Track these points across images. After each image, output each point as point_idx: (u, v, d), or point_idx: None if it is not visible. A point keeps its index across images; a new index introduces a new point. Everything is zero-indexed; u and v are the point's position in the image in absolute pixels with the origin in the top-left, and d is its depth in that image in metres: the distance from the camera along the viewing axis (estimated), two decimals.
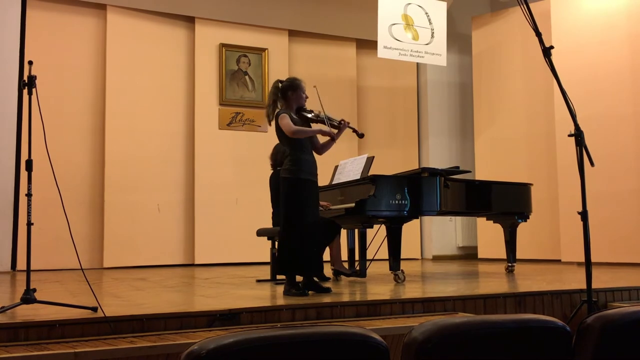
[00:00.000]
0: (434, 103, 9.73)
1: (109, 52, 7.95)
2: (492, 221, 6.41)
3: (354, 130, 4.68)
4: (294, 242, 4.31)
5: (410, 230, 7.86)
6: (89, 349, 2.82)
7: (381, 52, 7.98)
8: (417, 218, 5.71)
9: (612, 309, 1.67)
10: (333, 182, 5.88)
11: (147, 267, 7.78)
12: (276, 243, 5.30)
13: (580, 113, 3.71)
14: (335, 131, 4.49)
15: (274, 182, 5.46)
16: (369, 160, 5.54)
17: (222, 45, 8.54)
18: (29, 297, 3.38)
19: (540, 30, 3.64)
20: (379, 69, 9.45)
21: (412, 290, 4.55)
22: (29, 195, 3.52)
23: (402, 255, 5.24)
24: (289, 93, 4.51)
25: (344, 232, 5.85)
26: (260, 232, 5.71)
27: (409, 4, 8.23)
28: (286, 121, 4.33)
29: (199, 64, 8.43)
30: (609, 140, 7.17)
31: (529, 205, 6.22)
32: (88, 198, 7.79)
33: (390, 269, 5.17)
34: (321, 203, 4.97)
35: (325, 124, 4.51)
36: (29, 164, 3.55)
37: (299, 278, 4.39)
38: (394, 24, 8.07)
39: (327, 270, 5.49)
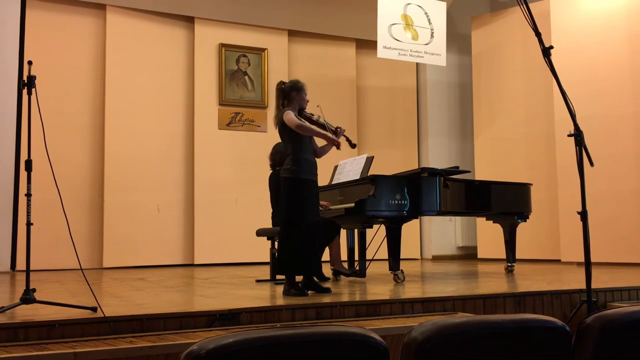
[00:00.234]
0: (433, 103, 9.73)
1: (108, 52, 7.95)
2: (491, 221, 6.41)
3: (348, 139, 4.69)
4: (294, 242, 4.32)
5: (410, 230, 7.85)
6: (89, 349, 2.82)
7: (381, 52, 7.98)
8: (417, 218, 5.71)
9: (612, 309, 1.67)
10: (333, 182, 5.88)
11: (146, 267, 7.77)
12: (276, 243, 5.30)
13: (580, 113, 3.71)
14: (340, 141, 4.51)
15: (274, 182, 5.46)
16: (369, 160, 5.54)
17: (222, 45, 8.54)
18: (28, 297, 3.38)
19: (540, 30, 3.65)
20: (378, 69, 9.45)
21: (411, 290, 4.55)
22: (28, 195, 3.51)
23: (402, 255, 5.24)
24: (292, 93, 4.55)
25: (343, 232, 5.85)
26: (260, 232, 5.71)
27: (409, 4, 8.22)
28: (291, 116, 4.38)
29: (199, 64, 8.43)
30: (609, 140, 7.16)
31: (528, 205, 6.22)
32: (88, 198, 7.79)
33: (389, 269, 5.17)
34: (321, 203, 4.98)
35: (325, 129, 4.54)
36: (29, 164, 3.55)
37: (298, 278, 4.39)
38: (394, 24, 8.07)
39: (327, 270, 5.49)
